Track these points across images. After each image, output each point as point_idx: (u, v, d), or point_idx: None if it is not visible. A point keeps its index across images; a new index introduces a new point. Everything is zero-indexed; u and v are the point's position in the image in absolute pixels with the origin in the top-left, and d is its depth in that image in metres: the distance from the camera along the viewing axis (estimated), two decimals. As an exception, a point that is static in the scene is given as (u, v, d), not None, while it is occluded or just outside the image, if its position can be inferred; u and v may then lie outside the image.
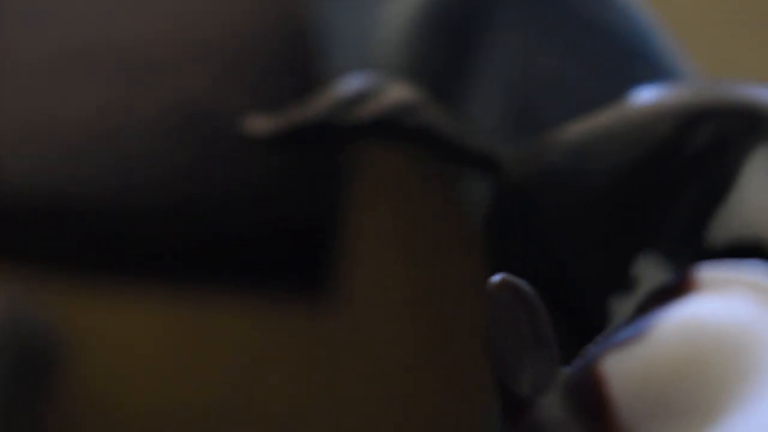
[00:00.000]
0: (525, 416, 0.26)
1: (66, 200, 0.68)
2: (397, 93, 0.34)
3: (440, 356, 0.75)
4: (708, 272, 0.24)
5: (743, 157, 0.29)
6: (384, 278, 0.75)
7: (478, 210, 0.42)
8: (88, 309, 0.74)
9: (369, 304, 0.75)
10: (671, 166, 0.30)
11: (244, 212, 0.71)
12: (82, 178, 0.68)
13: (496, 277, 0.27)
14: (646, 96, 0.31)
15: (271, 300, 0.74)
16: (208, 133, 0.68)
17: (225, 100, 0.68)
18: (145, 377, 0.75)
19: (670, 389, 0.23)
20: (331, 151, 0.67)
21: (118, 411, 0.76)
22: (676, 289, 0.25)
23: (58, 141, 0.67)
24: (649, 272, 0.29)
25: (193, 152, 0.67)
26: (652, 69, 0.37)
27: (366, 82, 0.35)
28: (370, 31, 0.46)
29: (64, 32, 0.68)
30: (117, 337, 0.74)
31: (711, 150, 0.29)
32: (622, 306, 0.29)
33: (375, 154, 0.74)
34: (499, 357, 0.27)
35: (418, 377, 0.77)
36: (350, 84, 0.35)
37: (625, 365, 0.24)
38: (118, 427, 0.77)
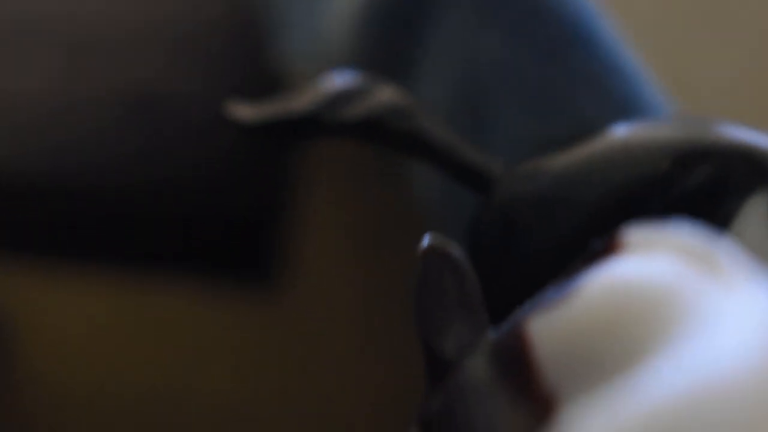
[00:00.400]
0: (449, 379, 0.26)
1: (9, 178, 0.68)
2: (388, 95, 0.33)
3: (387, 341, 0.75)
4: (634, 234, 0.24)
5: (739, 202, 0.28)
6: (331, 265, 0.75)
7: (427, 200, 0.42)
8: (33, 290, 0.73)
9: (316, 291, 0.75)
10: (665, 202, 0.29)
11: (192, 196, 0.70)
12: (28, 157, 0.67)
13: (425, 241, 0.27)
14: (640, 129, 0.30)
15: (216, 286, 0.74)
16: (159, 117, 0.67)
17: (176, 83, 0.68)
18: (89, 360, 0.74)
19: (594, 347, 0.22)
20: (301, 142, 0.67)
21: (60, 392, 0.76)
22: (603, 251, 0.25)
23: (3, 117, 0.67)
24: None
25: (143, 135, 0.67)
26: (599, 60, 0.37)
27: (356, 81, 0.34)
28: (321, 19, 0.46)
29: (5, 5, 0.67)
30: (60, 318, 0.74)
31: (707, 191, 0.28)
32: None
33: (324, 142, 0.74)
34: (425, 320, 0.26)
35: (366, 363, 0.77)
36: (339, 80, 0.34)
37: (550, 326, 0.24)
38: (60, 408, 0.76)
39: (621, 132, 0.30)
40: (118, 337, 0.76)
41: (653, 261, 0.23)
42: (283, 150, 0.69)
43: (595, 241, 0.28)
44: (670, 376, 0.19)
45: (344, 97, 0.34)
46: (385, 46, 0.39)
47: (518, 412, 0.24)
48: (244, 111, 0.35)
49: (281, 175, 0.73)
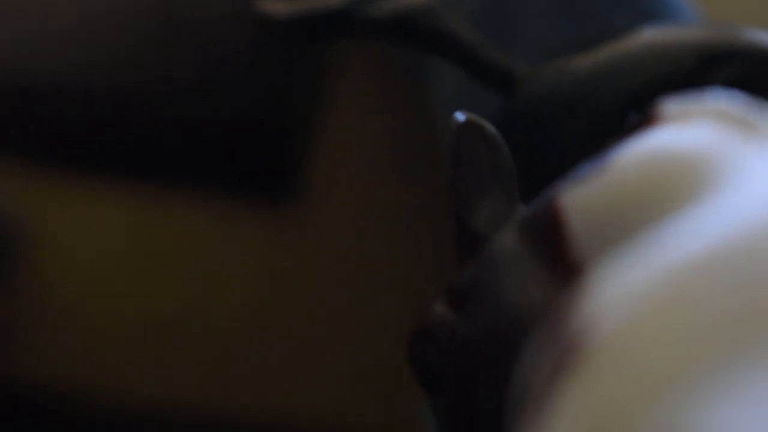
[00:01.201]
0: (480, 252, 0.26)
1: (33, 86, 0.68)
2: None
3: (401, 261, 0.76)
4: (671, 106, 0.24)
5: (764, 101, 0.28)
6: (349, 184, 0.75)
7: (447, 117, 0.42)
8: (47, 201, 0.73)
9: (332, 209, 0.75)
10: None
11: (212, 106, 0.70)
12: (54, 66, 0.68)
13: (460, 116, 0.27)
14: (667, 31, 0.30)
15: (233, 201, 0.74)
16: (171, 17, 0.67)
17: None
18: (100, 274, 0.75)
19: (625, 213, 0.22)
20: (324, 44, 0.67)
21: (71, 305, 0.76)
22: (640, 123, 0.25)
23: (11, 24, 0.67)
24: None
25: (157, 36, 0.67)
26: None
27: None
28: None
29: None
30: (75, 231, 0.74)
31: (733, 90, 0.28)
32: None
33: (347, 57, 0.73)
34: (459, 194, 0.26)
35: (379, 281, 0.77)
36: None
37: (583, 197, 0.24)
38: (70, 321, 0.76)
39: (647, 33, 0.30)
40: (136, 252, 0.76)
41: (689, 129, 0.23)
42: (309, 59, 0.69)
43: (631, 115, 0.28)
44: (701, 226, 0.19)
45: None
46: None
47: (548, 281, 0.24)
48: (276, 6, 0.35)
49: (304, 90, 0.73)
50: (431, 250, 0.75)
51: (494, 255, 0.25)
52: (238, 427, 0.76)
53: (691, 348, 0.18)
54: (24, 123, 0.67)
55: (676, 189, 0.22)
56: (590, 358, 0.20)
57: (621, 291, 0.20)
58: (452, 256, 0.72)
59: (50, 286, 0.75)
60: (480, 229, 0.26)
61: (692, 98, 0.24)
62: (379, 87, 0.75)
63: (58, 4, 0.67)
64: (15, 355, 0.77)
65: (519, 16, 0.37)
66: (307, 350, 0.77)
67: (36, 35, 0.67)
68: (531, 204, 0.26)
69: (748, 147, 0.22)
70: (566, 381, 0.20)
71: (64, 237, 0.73)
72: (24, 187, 0.71)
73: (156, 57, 0.67)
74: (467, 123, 0.27)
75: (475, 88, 0.38)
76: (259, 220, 0.74)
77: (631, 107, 0.29)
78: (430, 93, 0.46)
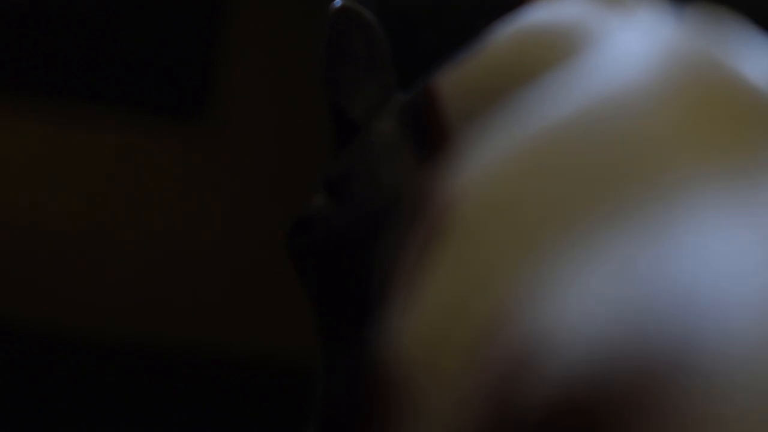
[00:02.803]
0: (356, 140, 0.25)
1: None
2: None
3: (304, 179, 0.76)
4: (545, -15, 0.24)
5: None
6: (256, 107, 0.75)
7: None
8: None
9: (239, 131, 0.75)
10: None
11: (129, 30, 0.69)
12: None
13: (337, 2, 0.26)
14: None
15: (147, 122, 0.73)
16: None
17: None
18: (18, 187, 0.74)
19: (497, 87, 0.22)
20: None
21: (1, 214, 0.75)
22: (517, 4, 0.25)
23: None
24: None
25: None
26: None
27: None
28: None
29: None
30: (1, 146, 0.73)
31: None
32: None
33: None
34: (334, 82, 0.26)
35: (284, 201, 0.77)
36: None
37: (457, 78, 0.24)
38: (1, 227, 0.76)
39: None
40: (53, 166, 0.75)
41: (559, 4, 0.22)
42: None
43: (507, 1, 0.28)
44: (555, 95, 0.19)
45: None
46: None
47: (423, 163, 0.24)
48: None
49: (218, 14, 0.72)
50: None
51: (370, 142, 0.25)
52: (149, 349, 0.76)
53: (543, 213, 0.18)
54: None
55: (541, 59, 0.21)
56: (452, 231, 0.19)
57: (480, 163, 0.20)
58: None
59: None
60: (357, 118, 0.26)
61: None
62: (287, 16, 0.74)
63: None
64: None
65: None
66: (217, 270, 0.77)
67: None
68: (408, 90, 0.26)
69: (614, 16, 0.22)
70: (433, 253, 0.20)
71: None
72: None
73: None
74: (343, 9, 0.26)
75: None
76: (170, 138, 0.73)
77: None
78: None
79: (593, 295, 0.16)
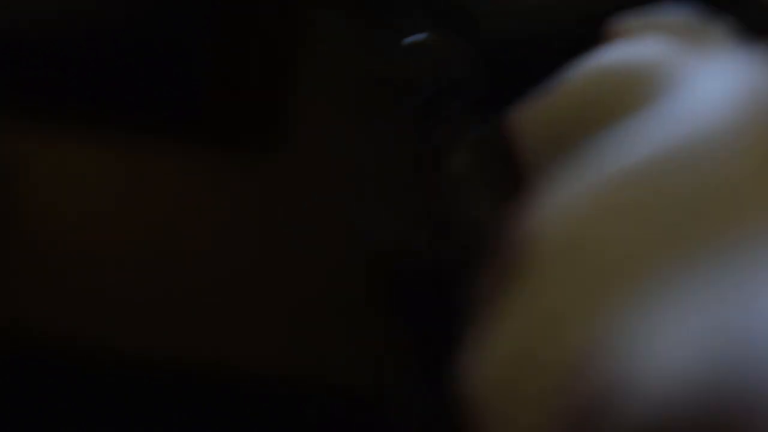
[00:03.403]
0: (435, 167, 0.25)
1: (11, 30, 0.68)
2: None
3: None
4: (626, 21, 0.24)
5: (719, 13, 0.28)
6: (324, 132, 0.75)
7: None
8: (25, 140, 0.74)
9: (309, 156, 0.75)
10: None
11: (192, 50, 0.70)
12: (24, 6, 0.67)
13: (422, 35, 0.27)
14: None
15: (212, 148, 0.74)
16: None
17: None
18: (78, 215, 0.75)
19: (574, 126, 0.22)
20: None
21: (53, 244, 0.77)
22: (596, 42, 0.25)
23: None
24: None
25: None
26: None
27: None
28: None
29: None
30: (52, 170, 0.74)
31: (687, 3, 0.28)
32: None
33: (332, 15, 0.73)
34: (416, 106, 0.26)
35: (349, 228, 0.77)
36: None
37: (535, 113, 0.24)
38: (52, 254, 0.77)
39: None
40: (113, 192, 0.76)
41: (639, 42, 0.22)
42: (288, 16, 0.68)
43: (588, 36, 0.28)
44: (639, 136, 0.19)
45: None
46: None
47: (502, 198, 0.24)
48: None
49: (283, 41, 0.72)
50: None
51: (448, 171, 0.25)
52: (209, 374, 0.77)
53: (626, 257, 0.18)
54: (11, 70, 0.67)
55: (620, 100, 0.21)
56: (532, 268, 0.19)
57: (563, 201, 0.20)
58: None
59: (26, 223, 0.76)
60: (437, 144, 0.26)
61: (647, 13, 0.24)
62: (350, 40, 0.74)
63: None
64: None
65: None
66: (290, 300, 0.78)
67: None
68: (487, 125, 0.26)
69: (695, 57, 0.21)
70: (510, 290, 0.20)
71: (48, 177, 0.73)
72: (12, 130, 0.72)
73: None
74: (432, 39, 0.26)
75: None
76: (234, 166, 0.74)
77: (590, 28, 0.29)
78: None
79: (678, 341, 0.16)
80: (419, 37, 0.27)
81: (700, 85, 0.20)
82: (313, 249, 0.76)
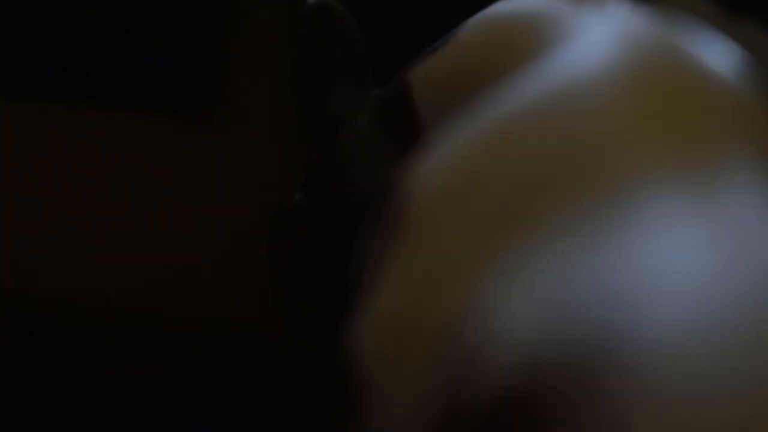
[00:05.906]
0: (334, 138, 0.25)
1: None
2: None
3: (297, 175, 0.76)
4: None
5: None
6: (260, 94, 0.75)
7: None
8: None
9: (245, 119, 0.75)
10: None
11: (132, 11, 0.69)
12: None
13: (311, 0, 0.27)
14: None
15: (148, 115, 0.74)
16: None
17: None
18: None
19: (465, 80, 0.22)
20: None
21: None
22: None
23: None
24: None
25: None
26: None
27: None
28: None
29: None
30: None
31: None
32: None
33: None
34: (310, 79, 0.26)
35: (284, 191, 0.77)
36: None
37: (428, 70, 0.24)
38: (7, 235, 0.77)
39: None
40: (50, 153, 0.76)
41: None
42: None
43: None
44: (524, 88, 0.19)
45: None
46: None
47: (398, 157, 0.24)
48: None
49: (213, 11, 0.72)
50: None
51: (348, 138, 0.25)
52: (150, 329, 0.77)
53: (493, 211, 0.18)
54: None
55: (509, 52, 0.22)
56: (408, 225, 0.20)
57: (436, 156, 0.20)
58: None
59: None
60: (334, 114, 0.26)
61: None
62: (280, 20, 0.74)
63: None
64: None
65: None
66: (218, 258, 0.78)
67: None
68: (383, 85, 0.26)
69: (582, 11, 0.22)
70: (391, 249, 0.20)
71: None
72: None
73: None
74: (317, 5, 0.26)
75: None
76: (173, 133, 0.74)
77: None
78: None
79: (535, 297, 0.16)
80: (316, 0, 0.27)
81: (585, 36, 0.20)
82: (236, 205, 0.76)
